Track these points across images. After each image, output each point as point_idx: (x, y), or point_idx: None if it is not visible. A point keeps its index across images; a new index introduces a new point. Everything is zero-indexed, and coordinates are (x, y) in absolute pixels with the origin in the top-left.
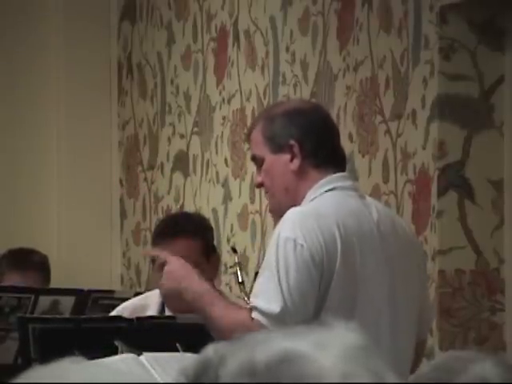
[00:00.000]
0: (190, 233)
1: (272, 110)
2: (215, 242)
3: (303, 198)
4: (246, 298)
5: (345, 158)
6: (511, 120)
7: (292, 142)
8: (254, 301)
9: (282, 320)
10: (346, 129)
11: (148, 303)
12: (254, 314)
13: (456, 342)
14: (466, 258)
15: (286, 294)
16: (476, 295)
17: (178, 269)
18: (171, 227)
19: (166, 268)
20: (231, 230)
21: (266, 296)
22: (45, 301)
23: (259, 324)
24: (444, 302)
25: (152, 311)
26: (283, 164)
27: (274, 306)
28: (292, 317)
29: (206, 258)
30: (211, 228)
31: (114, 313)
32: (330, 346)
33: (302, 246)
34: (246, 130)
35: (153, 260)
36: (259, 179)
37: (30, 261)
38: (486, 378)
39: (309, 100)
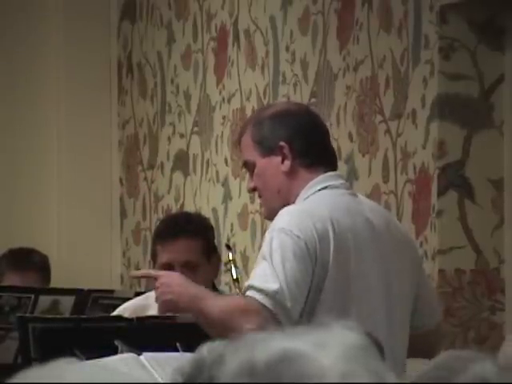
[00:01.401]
0: (190, 233)
1: (259, 115)
2: (215, 242)
3: (295, 198)
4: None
5: (336, 157)
6: (511, 119)
7: (282, 143)
8: (249, 282)
9: (278, 299)
10: (346, 128)
11: (149, 303)
12: (249, 292)
13: (456, 341)
14: (466, 258)
15: (281, 277)
16: (476, 295)
17: (170, 279)
18: (172, 228)
19: (156, 283)
20: (231, 230)
21: (262, 278)
22: (45, 300)
23: (254, 301)
24: (444, 301)
25: (153, 311)
26: (274, 166)
27: (271, 285)
28: (287, 301)
29: (207, 257)
30: (212, 228)
31: (114, 313)
32: (329, 345)
33: (297, 236)
34: None
35: (153, 259)
36: (252, 184)
37: (29, 261)
38: (485, 378)
39: (296, 102)
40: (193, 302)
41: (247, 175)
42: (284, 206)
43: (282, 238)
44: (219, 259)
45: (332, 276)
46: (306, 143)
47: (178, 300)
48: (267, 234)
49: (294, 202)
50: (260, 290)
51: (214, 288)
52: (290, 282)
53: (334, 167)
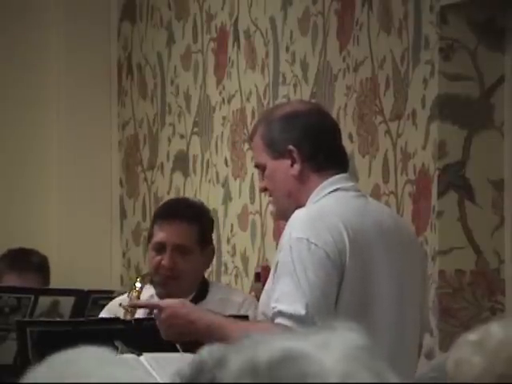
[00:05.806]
0: (187, 217)
1: (271, 114)
2: (215, 242)
3: (306, 201)
4: None
5: (346, 157)
6: (511, 120)
7: (290, 147)
8: (277, 306)
9: (308, 320)
10: (346, 129)
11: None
12: (279, 319)
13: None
14: (466, 259)
15: (307, 293)
16: (476, 295)
17: (175, 310)
18: (171, 209)
19: (162, 316)
20: (231, 231)
21: (289, 299)
22: (45, 301)
23: (285, 328)
24: (444, 302)
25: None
26: (284, 169)
27: (299, 308)
28: (318, 315)
29: (201, 246)
30: (211, 220)
31: (103, 313)
32: (331, 345)
33: (315, 244)
34: (246, 130)
35: (149, 240)
36: (262, 185)
37: (28, 262)
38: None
39: (308, 100)
40: (211, 330)
41: (247, 176)
42: (295, 208)
43: (300, 248)
44: (213, 252)
45: (348, 279)
46: (314, 146)
47: (189, 331)
48: (284, 243)
49: (304, 205)
50: (290, 316)
51: (204, 280)
52: (316, 292)
53: (344, 168)
